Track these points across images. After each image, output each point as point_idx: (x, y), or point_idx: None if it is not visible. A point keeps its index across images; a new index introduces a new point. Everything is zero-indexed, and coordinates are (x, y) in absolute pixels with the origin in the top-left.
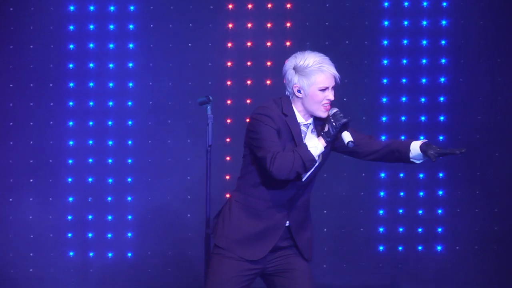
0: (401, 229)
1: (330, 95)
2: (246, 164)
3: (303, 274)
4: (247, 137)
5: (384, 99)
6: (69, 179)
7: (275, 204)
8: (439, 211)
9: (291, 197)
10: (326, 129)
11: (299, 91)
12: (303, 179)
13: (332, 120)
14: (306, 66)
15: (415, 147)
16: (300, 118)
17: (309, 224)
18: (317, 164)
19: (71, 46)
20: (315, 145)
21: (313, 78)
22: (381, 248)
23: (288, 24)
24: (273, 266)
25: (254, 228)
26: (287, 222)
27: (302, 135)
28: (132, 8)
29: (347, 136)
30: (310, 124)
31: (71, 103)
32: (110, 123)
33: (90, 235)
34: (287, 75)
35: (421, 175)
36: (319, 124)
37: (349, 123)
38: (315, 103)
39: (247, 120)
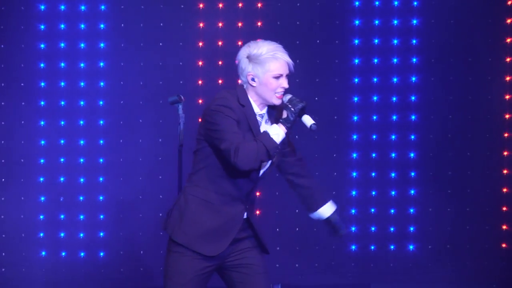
0: (373, 229)
1: (284, 82)
2: (201, 158)
3: (259, 269)
4: (204, 129)
5: (356, 98)
6: (41, 179)
7: (233, 198)
8: (411, 210)
9: (248, 191)
10: (285, 116)
11: (253, 79)
12: (260, 174)
13: (289, 106)
14: (260, 54)
15: (323, 213)
16: (256, 108)
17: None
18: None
19: (42, 46)
20: (277, 132)
21: (267, 65)
22: (353, 247)
23: (259, 23)
24: (229, 261)
25: (213, 223)
26: (245, 215)
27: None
28: (103, 7)
29: (308, 120)
30: (264, 114)
31: (42, 103)
32: (81, 122)
33: (62, 234)
34: (241, 64)
35: (393, 175)
36: (272, 114)
37: (306, 107)
38: (269, 91)
39: (204, 113)
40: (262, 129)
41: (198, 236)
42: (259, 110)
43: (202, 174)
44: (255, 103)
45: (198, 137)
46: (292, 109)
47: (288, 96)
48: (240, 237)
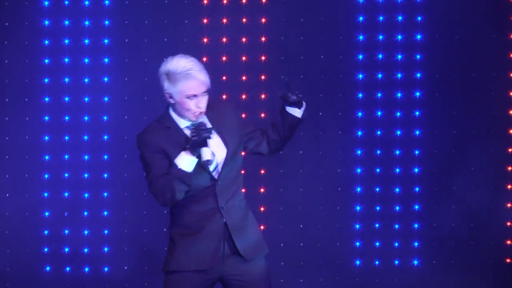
0: (377, 244)
1: (200, 102)
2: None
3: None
4: None
5: (360, 95)
6: (46, 175)
7: (207, 215)
8: (416, 225)
9: (214, 197)
10: (190, 143)
11: (170, 97)
12: (216, 176)
13: (194, 133)
14: (174, 72)
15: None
16: (183, 123)
17: (251, 224)
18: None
19: (46, 42)
20: (184, 160)
21: (179, 85)
22: (357, 262)
23: (263, 20)
24: (229, 275)
25: (200, 243)
26: (224, 223)
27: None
28: (107, 2)
29: (205, 154)
30: (197, 122)
31: (46, 99)
32: (86, 118)
33: (66, 249)
34: (160, 81)
35: (397, 190)
36: (214, 118)
37: (210, 137)
38: (186, 110)
39: None
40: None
41: (189, 256)
42: (188, 121)
43: (176, 207)
44: (182, 118)
45: None
46: (196, 137)
47: (199, 120)
48: (230, 251)
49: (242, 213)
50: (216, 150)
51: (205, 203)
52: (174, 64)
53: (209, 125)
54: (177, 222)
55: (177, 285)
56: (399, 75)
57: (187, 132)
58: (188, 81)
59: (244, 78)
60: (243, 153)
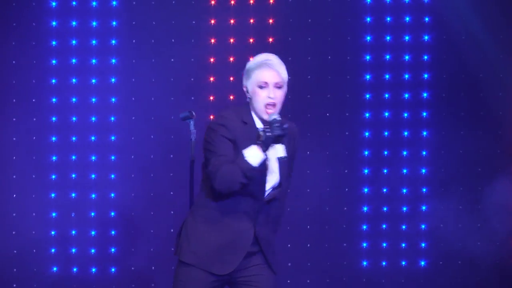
0: (384, 244)
1: (271, 93)
2: (206, 176)
3: None
4: (203, 147)
5: (367, 95)
6: (53, 176)
7: (239, 215)
8: (423, 226)
9: (257, 210)
10: (262, 138)
11: (247, 91)
12: (266, 194)
13: (268, 129)
14: (251, 65)
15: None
16: (259, 124)
17: (274, 239)
18: (275, 178)
19: (54, 43)
20: (253, 154)
21: (253, 75)
22: (364, 263)
23: (271, 21)
24: (239, 277)
25: (222, 241)
26: (254, 233)
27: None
28: (114, 3)
29: (279, 150)
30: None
31: (54, 99)
32: (93, 119)
33: (73, 250)
34: (243, 80)
35: (404, 190)
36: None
37: (285, 136)
38: (257, 103)
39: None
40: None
41: (208, 255)
42: (262, 125)
43: (208, 193)
44: (258, 119)
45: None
46: (269, 133)
47: (273, 117)
48: (251, 251)
49: (272, 228)
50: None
51: (246, 206)
52: (254, 59)
53: (284, 124)
54: (210, 206)
55: (190, 280)
56: (407, 76)
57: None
58: (261, 69)
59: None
60: None
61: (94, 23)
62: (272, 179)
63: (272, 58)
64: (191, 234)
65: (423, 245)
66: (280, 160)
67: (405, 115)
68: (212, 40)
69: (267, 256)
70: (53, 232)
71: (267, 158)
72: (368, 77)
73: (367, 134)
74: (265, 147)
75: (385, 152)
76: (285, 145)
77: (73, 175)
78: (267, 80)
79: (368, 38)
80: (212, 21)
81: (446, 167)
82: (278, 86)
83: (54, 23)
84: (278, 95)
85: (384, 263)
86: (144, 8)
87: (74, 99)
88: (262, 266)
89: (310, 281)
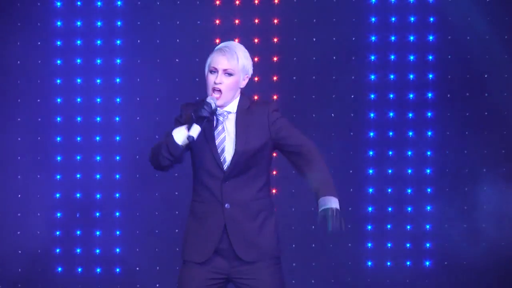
0: (389, 245)
1: (218, 78)
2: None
3: None
4: None
5: (372, 96)
6: (58, 176)
7: (210, 203)
8: (427, 226)
9: (221, 192)
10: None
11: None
12: (224, 169)
13: (195, 108)
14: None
15: (321, 203)
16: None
17: (262, 225)
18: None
19: (59, 43)
20: (178, 131)
21: (208, 59)
22: (369, 263)
23: (276, 21)
24: (238, 278)
25: (198, 231)
26: (224, 220)
27: (220, 126)
28: (119, 3)
29: (193, 130)
30: (226, 113)
31: (58, 100)
32: (98, 119)
33: (78, 250)
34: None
35: (409, 191)
36: (243, 115)
37: (207, 120)
38: (207, 87)
39: None
40: (218, 129)
41: (192, 245)
42: (219, 108)
43: (193, 187)
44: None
45: None
46: (193, 113)
47: (209, 100)
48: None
49: (250, 214)
50: (228, 144)
51: (212, 196)
52: None
53: (215, 108)
54: (193, 198)
55: (186, 276)
56: (411, 76)
57: (220, 119)
58: (214, 54)
59: (256, 79)
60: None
61: (99, 23)
62: (228, 151)
63: (229, 45)
64: (185, 231)
65: (428, 245)
66: (189, 139)
67: (410, 115)
68: (217, 40)
69: (232, 243)
70: (58, 232)
71: (192, 137)
72: (372, 77)
73: (371, 134)
74: (189, 126)
75: (390, 152)
76: (256, 127)
77: (78, 175)
78: (216, 65)
79: (373, 38)
80: (217, 21)
81: (451, 168)
82: (228, 73)
83: (59, 23)
84: (226, 82)
85: (388, 263)
86: (149, 8)
87: (79, 99)
88: (263, 269)
89: (315, 281)
